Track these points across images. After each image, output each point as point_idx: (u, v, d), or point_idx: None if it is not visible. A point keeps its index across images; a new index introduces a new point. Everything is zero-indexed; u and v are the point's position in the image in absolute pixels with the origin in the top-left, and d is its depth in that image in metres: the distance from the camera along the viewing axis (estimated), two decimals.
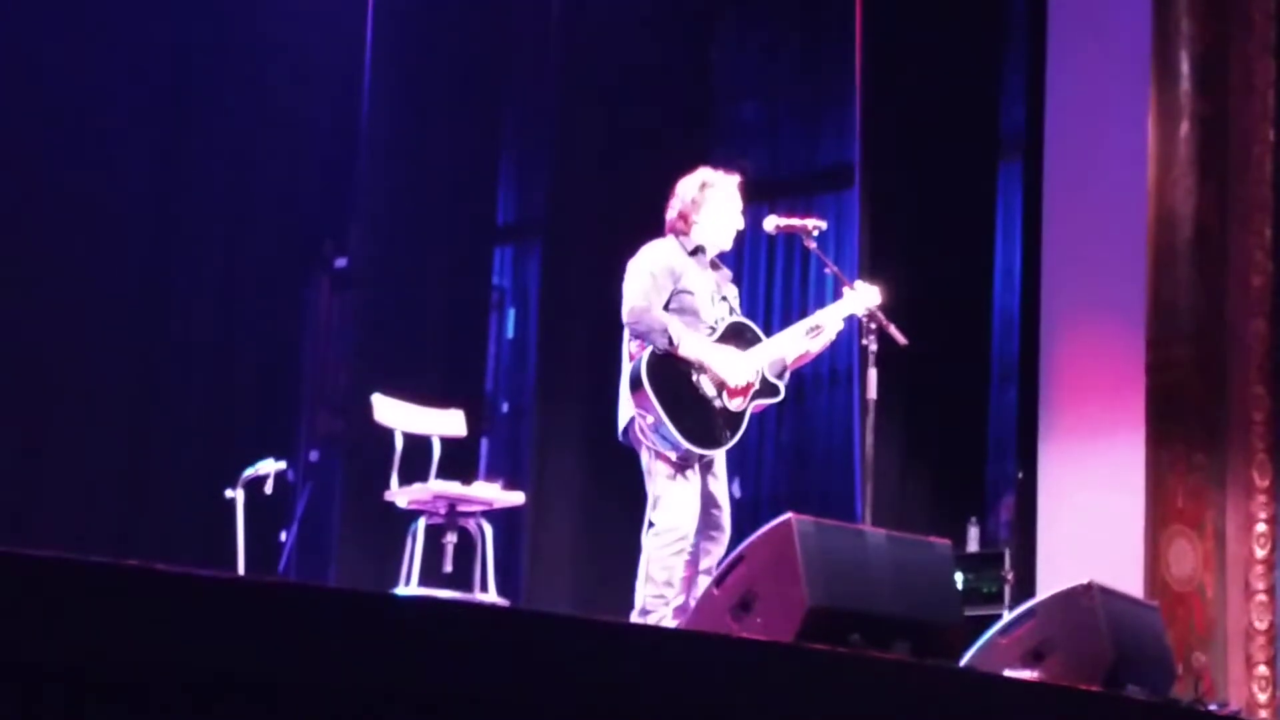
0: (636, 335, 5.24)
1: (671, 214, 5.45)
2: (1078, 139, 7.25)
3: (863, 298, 5.35)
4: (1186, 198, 6.91)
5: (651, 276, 5.27)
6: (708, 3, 8.98)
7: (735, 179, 5.48)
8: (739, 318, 5.42)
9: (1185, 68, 6.96)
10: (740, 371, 5.25)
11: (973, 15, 7.88)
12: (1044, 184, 7.35)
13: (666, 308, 5.26)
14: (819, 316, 5.44)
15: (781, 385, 5.38)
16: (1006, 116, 7.90)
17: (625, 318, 5.25)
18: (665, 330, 5.17)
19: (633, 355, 5.26)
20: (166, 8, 9.27)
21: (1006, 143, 7.90)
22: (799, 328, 5.44)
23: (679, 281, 5.31)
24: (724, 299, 5.43)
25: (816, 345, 5.44)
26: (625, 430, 5.28)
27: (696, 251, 5.39)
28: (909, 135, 7.73)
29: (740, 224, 5.49)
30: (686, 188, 5.45)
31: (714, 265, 5.46)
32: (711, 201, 5.41)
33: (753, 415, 5.31)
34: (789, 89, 9.06)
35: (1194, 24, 6.97)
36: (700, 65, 8.92)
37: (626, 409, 5.25)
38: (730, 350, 5.28)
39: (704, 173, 5.48)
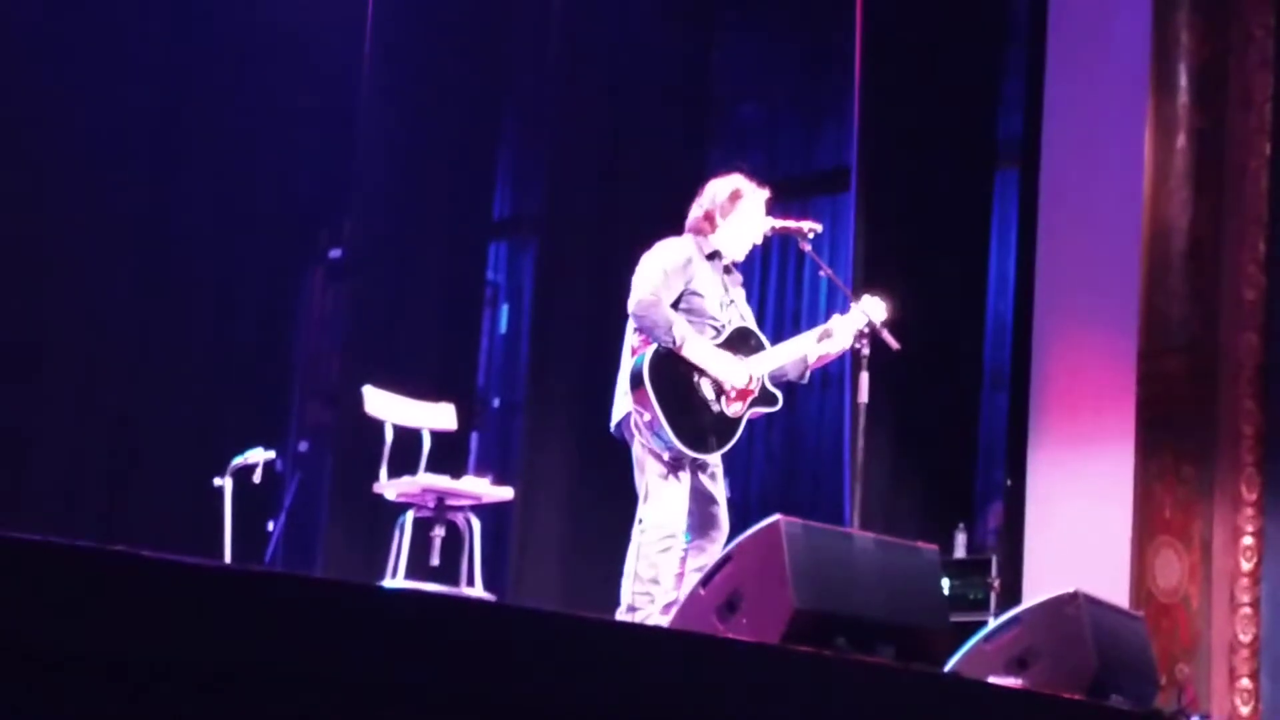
0: (640, 328, 5.20)
1: (697, 212, 5.41)
2: (1075, 149, 7.24)
3: (872, 310, 5.34)
4: (1181, 210, 6.91)
5: (664, 273, 5.23)
6: (708, 3, 8.98)
7: (765, 194, 5.45)
8: (745, 324, 5.40)
9: (1183, 80, 6.96)
10: (739, 375, 5.24)
11: (973, 22, 7.89)
12: (1040, 193, 7.35)
13: (675, 307, 5.23)
14: (831, 324, 5.42)
15: (779, 395, 5.38)
16: (1004, 124, 7.91)
17: (632, 309, 5.20)
18: (671, 327, 5.14)
19: (634, 350, 5.23)
20: (165, 2, 9.27)
21: (1003, 150, 7.91)
22: (808, 336, 5.43)
23: (691, 282, 5.28)
24: (732, 303, 5.40)
25: (834, 349, 5.41)
26: (619, 424, 5.26)
27: (713, 255, 5.37)
28: (907, 140, 7.73)
29: (759, 240, 5.48)
30: (719, 190, 5.41)
31: (726, 270, 5.43)
32: (741, 213, 5.39)
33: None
34: (788, 91, 9.07)
35: (1193, 37, 6.97)
36: (700, 65, 8.91)
37: (623, 404, 5.22)
38: (730, 356, 5.27)
39: (739, 181, 5.44)
